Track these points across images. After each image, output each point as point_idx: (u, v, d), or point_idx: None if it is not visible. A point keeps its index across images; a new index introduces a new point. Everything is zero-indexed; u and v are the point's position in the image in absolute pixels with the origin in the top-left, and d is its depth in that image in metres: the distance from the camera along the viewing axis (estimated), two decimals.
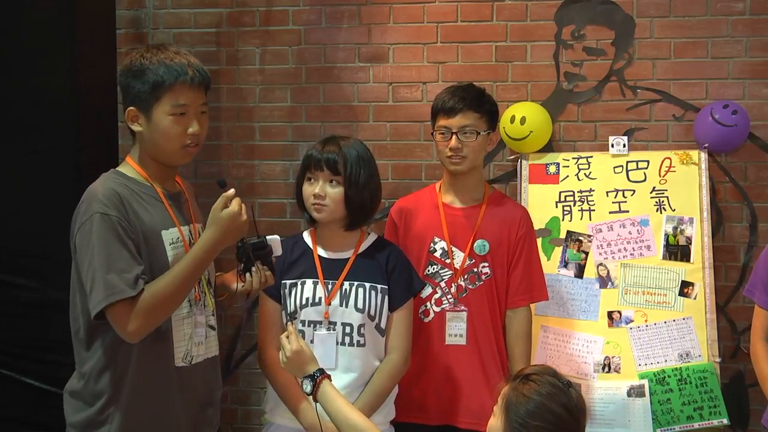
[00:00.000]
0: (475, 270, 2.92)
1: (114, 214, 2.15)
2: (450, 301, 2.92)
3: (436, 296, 2.92)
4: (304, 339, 2.54)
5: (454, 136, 2.84)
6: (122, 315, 2.13)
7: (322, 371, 2.25)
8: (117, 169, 2.34)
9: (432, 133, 2.95)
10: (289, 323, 2.45)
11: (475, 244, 2.92)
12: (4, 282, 3.14)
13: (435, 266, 2.92)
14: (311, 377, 2.25)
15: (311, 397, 2.25)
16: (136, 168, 2.33)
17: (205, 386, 2.43)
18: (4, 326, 3.14)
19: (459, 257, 2.93)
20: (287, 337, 2.30)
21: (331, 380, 2.26)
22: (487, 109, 2.91)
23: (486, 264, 2.92)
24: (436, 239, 2.94)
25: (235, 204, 2.28)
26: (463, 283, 2.92)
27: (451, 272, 2.92)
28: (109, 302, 2.10)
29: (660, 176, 3.44)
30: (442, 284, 2.92)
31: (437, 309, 2.91)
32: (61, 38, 3.21)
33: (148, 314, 2.16)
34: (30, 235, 3.11)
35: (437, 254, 2.94)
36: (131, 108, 2.29)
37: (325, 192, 2.57)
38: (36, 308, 3.07)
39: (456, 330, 2.90)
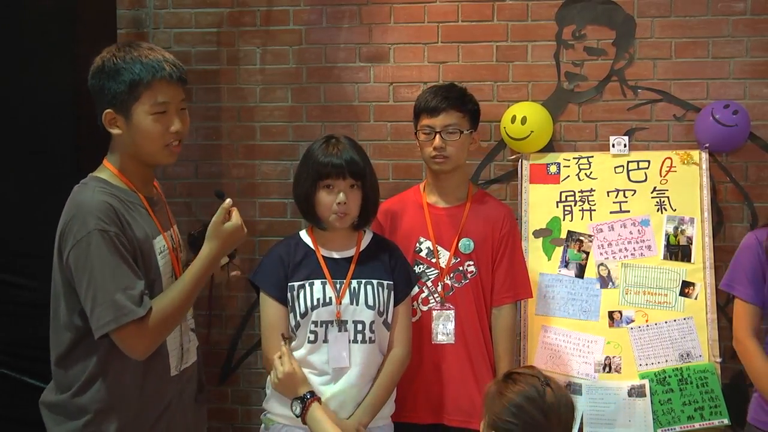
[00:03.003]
0: (461, 268, 2.95)
1: (113, 230, 2.09)
2: (437, 300, 2.94)
3: (423, 295, 2.94)
4: (316, 340, 2.59)
5: (437, 136, 2.87)
6: (132, 335, 2.09)
7: (312, 394, 2.28)
8: (97, 175, 2.25)
9: (415, 133, 2.98)
10: (283, 345, 2.42)
11: (459, 243, 2.95)
12: (3, 282, 3.14)
13: (421, 266, 2.94)
14: (301, 399, 2.26)
15: (300, 419, 2.26)
16: (117, 174, 2.24)
17: (192, 389, 2.42)
18: (4, 326, 3.14)
19: (444, 256, 2.95)
20: (279, 358, 2.30)
21: (321, 403, 2.28)
22: (470, 109, 2.94)
23: (471, 262, 2.95)
24: (422, 239, 2.97)
25: (236, 217, 2.27)
26: (449, 282, 2.94)
27: (437, 271, 2.95)
28: (119, 324, 2.06)
29: (661, 176, 3.44)
30: (429, 283, 2.95)
31: (424, 308, 2.93)
32: (61, 38, 3.21)
33: (157, 332, 2.14)
34: (29, 235, 3.10)
35: (423, 254, 2.96)
36: (108, 110, 2.19)
37: (348, 199, 2.57)
38: (36, 308, 3.07)
39: (444, 329, 2.93)
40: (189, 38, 3.84)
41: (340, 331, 2.59)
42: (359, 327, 2.60)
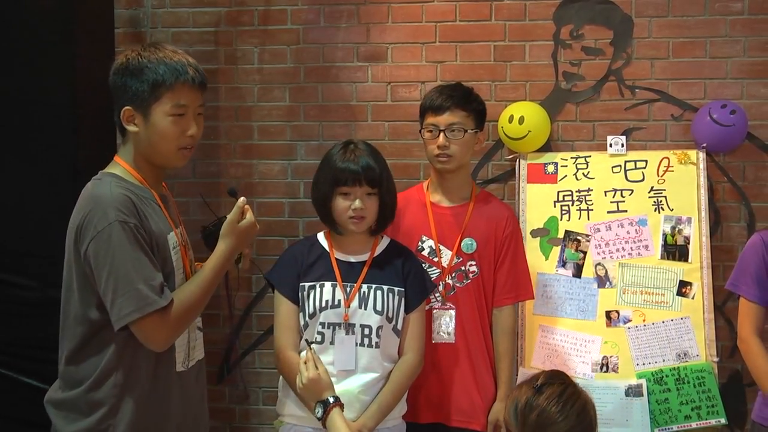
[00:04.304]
0: (463, 268, 2.96)
1: (133, 222, 2.11)
2: (438, 299, 2.95)
3: None
4: (323, 341, 2.61)
5: (441, 134, 2.88)
6: (154, 326, 2.11)
7: (336, 399, 2.29)
8: (110, 171, 2.25)
9: (420, 131, 2.98)
10: (308, 350, 2.41)
11: (462, 243, 2.95)
12: (3, 281, 3.14)
13: (423, 265, 2.93)
14: (324, 403, 2.29)
15: (321, 422, 2.30)
16: (130, 171, 2.25)
17: (198, 387, 2.44)
18: (4, 326, 3.14)
19: (446, 256, 2.95)
20: (305, 363, 2.32)
21: (342, 410, 2.31)
22: (475, 108, 2.95)
23: (473, 262, 2.95)
24: (424, 238, 2.97)
25: (250, 215, 2.31)
26: (450, 282, 2.95)
27: (438, 271, 2.95)
28: (142, 314, 2.07)
29: (658, 176, 3.44)
30: None
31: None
32: (59, 38, 3.21)
33: (178, 324, 2.17)
34: (30, 235, 3.11)
35: (425, 253, 2.97)
36: (127, 107, 2.21)
37: (365, 205, 2.59)
38: (36, 307, 3.07)
39: (444, 328, 2.93)
40: (186, 38, 3.83)
41: (347, 333, 2.60)
42: (366, 331, 2.61)
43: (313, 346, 2.61)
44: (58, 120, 3.18)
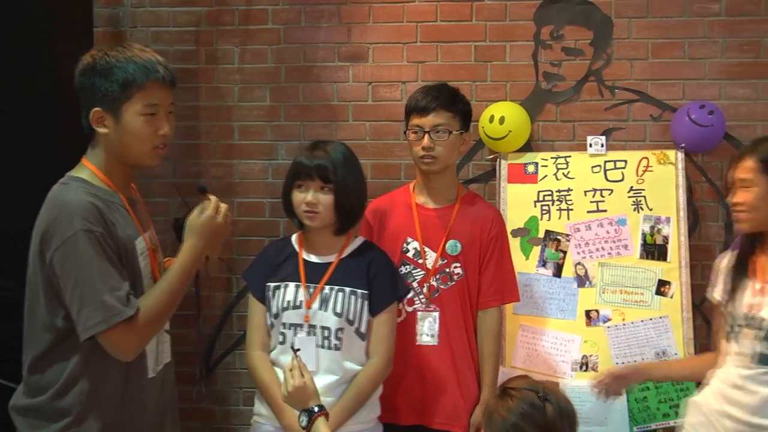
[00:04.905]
0: (447, 270, 2.93)
1: (98, 231, 2.06)
2: (422, 301, 2.92)
3: (408, 296, 2.91)
4: (285, 342, 2.60)
5: (426, 135, 2.85)
6: (121, 336, 2.07)
7: (321, 408, 2.27)
8: (76, 175, 2.20)
9: (405, 132, 2.96)
10: (294, 358, 2.36)
11: (447, 245, 2.93)
12: None
13: (408, 266, 2.93)
14: (309, 412, 2.26)
15: (305, 431, 2.28)
16: (98, 174, 2.20)
17: (166, 391, 2.39)
18: None
19: (431, 257, 2.93)
20: (291, 370, 2.30)
21: (327, 419, 2.28)
22: (460, 109, 2.92)
23: (458, 264, 2.93)
24: (409, 239, 2.95)
25: (209, 209, 2.25)
26: (435, 283, 2.92)
27: (423, 272, 2.93)
28: (108, 325, 2.03)
29: (637, 176, 3.47)
30: (414, 284, 2.92)
31: (409, 309, 2.91)
32: (40, 37, 3.18)
33: (145, 333, 2.13)
34: (8, 235, 3.08)
35: (410, 254, 2.95)
36: (97, 109, 2.16)
37: (317, 200, 2.58)
38: (13, 308, 3.04)
39: (428, 330, 2.91)
40: (167, 37, 3.82)
41: (308, 335, 2.59)
42: (325, 333, 2.60)
43: (279, 347, 2.62)
44: (41, 121, 3.16)
